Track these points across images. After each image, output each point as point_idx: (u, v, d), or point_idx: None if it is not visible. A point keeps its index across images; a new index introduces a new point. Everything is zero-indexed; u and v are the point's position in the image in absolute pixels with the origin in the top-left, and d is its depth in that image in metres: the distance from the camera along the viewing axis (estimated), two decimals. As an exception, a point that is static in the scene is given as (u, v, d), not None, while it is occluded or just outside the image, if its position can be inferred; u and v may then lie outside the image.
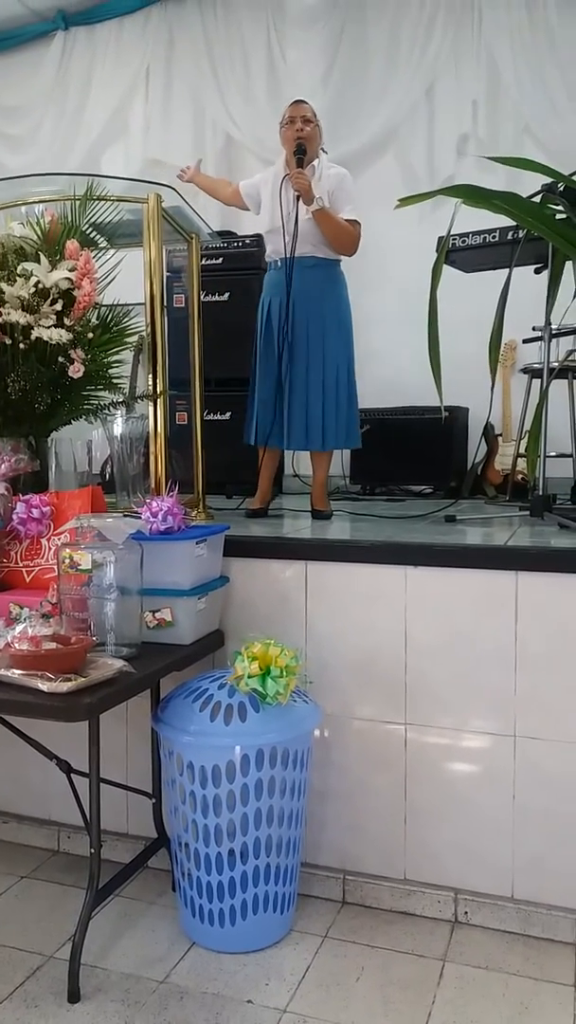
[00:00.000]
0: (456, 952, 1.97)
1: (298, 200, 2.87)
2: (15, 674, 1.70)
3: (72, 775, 2.04)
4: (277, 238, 2.97)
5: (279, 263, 3.00)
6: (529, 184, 2.57)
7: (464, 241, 3.07)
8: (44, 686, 1.65)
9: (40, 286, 2.18)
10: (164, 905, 2.17)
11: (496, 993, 1.82)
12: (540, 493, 2.72)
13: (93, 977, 1.86)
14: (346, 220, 2.92)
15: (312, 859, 2.22)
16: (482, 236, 3.03)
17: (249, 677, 1.89)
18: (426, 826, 2.14)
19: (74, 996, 1.78)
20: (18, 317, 2.14)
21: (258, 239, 4.02)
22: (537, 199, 2.51)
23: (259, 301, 3.14)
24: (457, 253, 3.09)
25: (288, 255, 2.91)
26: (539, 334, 2.87)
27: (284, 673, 1.90)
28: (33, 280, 2.18)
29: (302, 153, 2.89)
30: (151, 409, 2.39)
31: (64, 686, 1.64)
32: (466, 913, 2.09)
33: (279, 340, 2.97)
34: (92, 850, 1.83)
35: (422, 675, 2.13)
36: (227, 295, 4.03)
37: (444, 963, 1.93)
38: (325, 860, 2.23)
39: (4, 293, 2.15)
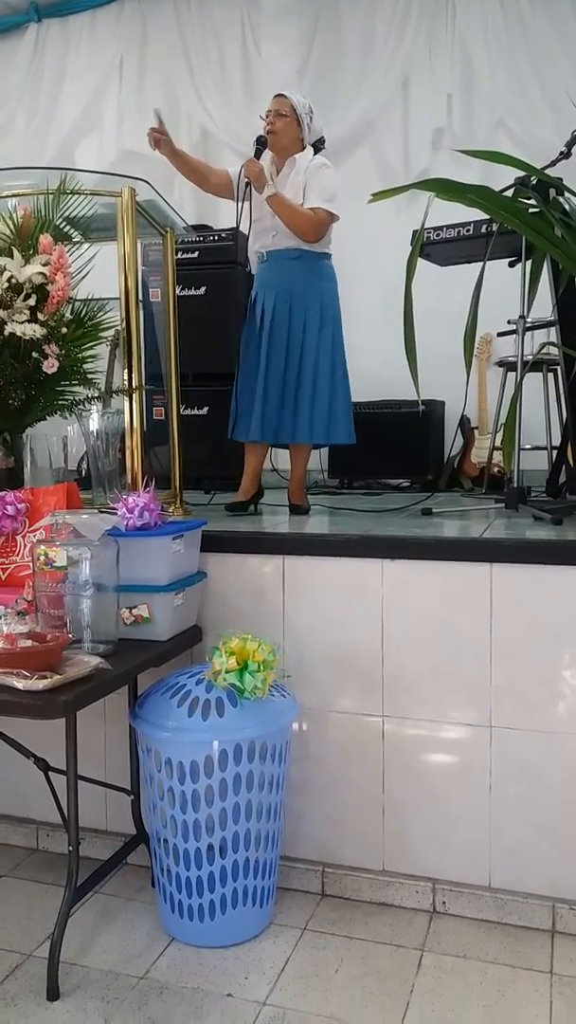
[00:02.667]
0: (434, 941, 1.99)
1: (248, 187, 2.85)
2: (-10, 672, 1.69)
3: (50, 773, 2.04)
4: (262, 232, 2.95)
5: (264, 256, 2.98)
6: (504, 176, 2.58)
7: (439, 235, 3.08)
8: (20, 684, 1.64)
9: (13, 281, 2.16)
10: (143, 901, 2.17)
11: (474, 981, 1.84)
12: (515, 485, 2.74)
13: (73, 974, 1.86)
14: (311, 208, 2.85)
15: (291, 852, 2.22)
16: (456, 230, 3.04)
17: (227, 672, 1.90)
18: (404, 817, 2.16)
19: (53, 994, 1.78)
20: (-10, 313, 2.12)
21: (234, 233, 4.01)
22: (510, 193, 2.52)
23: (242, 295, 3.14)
24: (431, 247, 3.10)
25: (254, 244, 2.91)
26: (514, 327, 2.89)
27: (262, 668, 1.91)
28: (6, 275, 2.15)
29: (260, 144, 2.89)
30: (127, 404, 2.38)
31: (40, 684, 1.63)
32: (444, 903, 2.10)
33: (258, 332, 2.96)
34: (70, 848, 1.82)
35: (399, 667, 2.15)
36: (203, 289, 4.02)
37: (423, 953, 1.95)
38: (304, 853, 2.24)
39: (-24, 289, 2.13)
